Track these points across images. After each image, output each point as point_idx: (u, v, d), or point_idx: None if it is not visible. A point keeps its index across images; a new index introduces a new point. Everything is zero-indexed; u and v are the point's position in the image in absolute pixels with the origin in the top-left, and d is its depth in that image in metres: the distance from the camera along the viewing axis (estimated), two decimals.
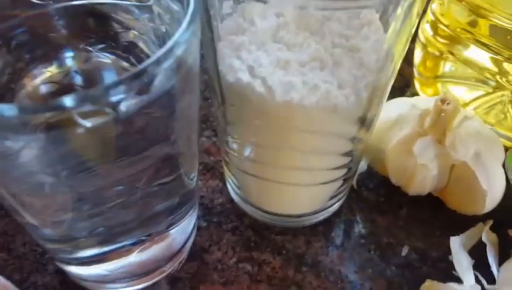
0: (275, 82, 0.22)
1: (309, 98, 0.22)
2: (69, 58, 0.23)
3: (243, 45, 0.23)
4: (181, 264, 0.28)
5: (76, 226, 0.22)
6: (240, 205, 0.30)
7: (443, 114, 0.26)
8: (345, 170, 0.27)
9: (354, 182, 0.31)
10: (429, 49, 0.35)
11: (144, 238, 0.24)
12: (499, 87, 0.33)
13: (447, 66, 0.35)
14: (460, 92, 0.35)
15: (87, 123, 0.16)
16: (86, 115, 0.16)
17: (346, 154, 0.26)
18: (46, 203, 0.20)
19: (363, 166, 0.32)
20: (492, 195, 0.27)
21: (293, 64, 0.23)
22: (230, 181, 0.30)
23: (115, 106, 0.16)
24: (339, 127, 0.24)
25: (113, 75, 0.23)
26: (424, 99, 0.30)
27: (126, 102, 0.17)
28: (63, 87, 0.24)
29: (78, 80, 0.23)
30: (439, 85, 0.36)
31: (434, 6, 0.35)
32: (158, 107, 0.19)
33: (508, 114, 0.33)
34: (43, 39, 0.22)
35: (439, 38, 0.35)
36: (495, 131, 0.33)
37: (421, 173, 0.28)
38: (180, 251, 0.27)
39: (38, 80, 0.23)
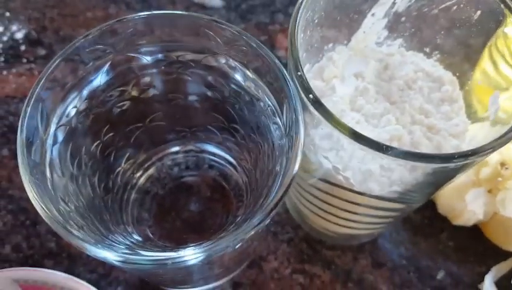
0: (354, 172, 0.23)
1: (384, 188, 0.23)
2: None
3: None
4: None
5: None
6: (294, 217, 0.33)
7: (500, 179, 0.28)
8: (400, 213, 0.29)
9: None
10: None
11: None
12: None
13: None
14: None
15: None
16: None
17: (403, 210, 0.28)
18: None
19: None
20: None
21: None
22: (290, 195, 0.33)
23: None
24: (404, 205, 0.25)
25: None
26: None
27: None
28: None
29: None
30: None
31: None
32: None
33: None
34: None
35: None
36: None
37: (468, 215, 0.30)
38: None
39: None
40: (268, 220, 0.17)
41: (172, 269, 0.19)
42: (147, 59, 0.23)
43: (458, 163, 0.18)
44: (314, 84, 0.26)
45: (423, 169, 0.21)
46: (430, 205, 0.33)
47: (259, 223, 0.17)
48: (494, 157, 0.29)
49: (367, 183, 0.23)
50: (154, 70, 0.23)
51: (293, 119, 0.19)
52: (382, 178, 0.23)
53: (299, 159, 0.19)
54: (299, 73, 0.20)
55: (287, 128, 0.20)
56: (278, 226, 0.33)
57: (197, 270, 0.22)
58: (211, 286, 0.28)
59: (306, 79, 0.20)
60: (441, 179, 0.23)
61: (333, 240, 0.32)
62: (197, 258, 0.16)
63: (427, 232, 0.33)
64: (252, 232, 0.17)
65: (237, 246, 0.17)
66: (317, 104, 0.20)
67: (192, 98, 0.25)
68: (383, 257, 0.33)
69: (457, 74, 0.26)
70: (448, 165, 0.19)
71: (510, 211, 0.29)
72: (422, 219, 0.34)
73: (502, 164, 0.28)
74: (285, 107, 0.20)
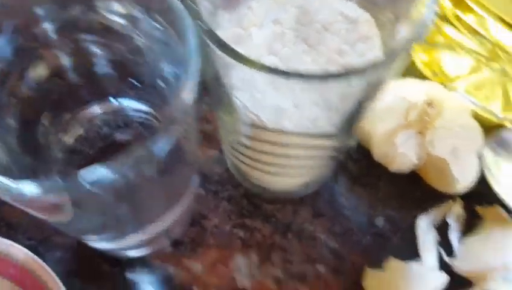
0: (266, 111, 0.23)
1: (300, 125, 0.23)
2: None
3: None
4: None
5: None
6: (235, 175, 0.33)
7: (427, 117, 0.28)
8: (333, 154, 0.29)
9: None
10: None
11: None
12: (492, 59, 0.34)
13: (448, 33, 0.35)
14: (454, 64, 0.35)
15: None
16: None
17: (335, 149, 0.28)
18: None
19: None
20: (464, 182, 0.30)
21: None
22: (226, 152, 0.33)
23: None
24: (328, 142, 0.26)
25: None
26: (415, 88, 0.31)
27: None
28: None
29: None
30: (435, 54, 0.36)
31: None
32: None
33: (499, 92, 0.34)
34: None
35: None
36: (484, 108, 0.34)
37: (401, 159, 0.30)
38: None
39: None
40: (157, 155, 0.18)
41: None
42: (49, 21, 0.23)
43: (354, 79, 0.19)
44: (234, 31, 0.26)
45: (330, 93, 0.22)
46: (366, 154, 0.33)
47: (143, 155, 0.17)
48: (421, 98, 0.29)
49: (280, 121, 0.23)
50: (57, 33, 0.23)
51: (189, 57, 0.19)
52: (294, 115, 0.23)
53: (189, 94, 0.19)
54: (195, 7, 0.20)
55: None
56: (219, 185, 0.33)
57: (111, 210, 0.22)
58: (144, 237, 0.28)
59: (203, 19, 0.20)
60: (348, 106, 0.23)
61: (273, 194, 0.33)
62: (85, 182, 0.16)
63: (364, 181, 0.34)
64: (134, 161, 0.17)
65: (128, 174, 0.17)
66: (220, 43, 0.20)
67: (102, 54, 0.25)
68: (323, 208, 0.33)
69: (379, 16, 0.26)
70: (345, 82, 0.19)
71: (439, 150, 0.29)
72: (360, 168, 0.34)
73: (429, 104, 0.28)
74: (186, 49, 0.20)
